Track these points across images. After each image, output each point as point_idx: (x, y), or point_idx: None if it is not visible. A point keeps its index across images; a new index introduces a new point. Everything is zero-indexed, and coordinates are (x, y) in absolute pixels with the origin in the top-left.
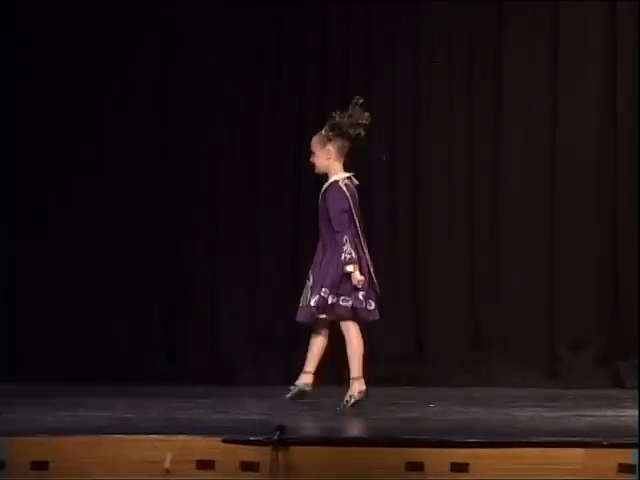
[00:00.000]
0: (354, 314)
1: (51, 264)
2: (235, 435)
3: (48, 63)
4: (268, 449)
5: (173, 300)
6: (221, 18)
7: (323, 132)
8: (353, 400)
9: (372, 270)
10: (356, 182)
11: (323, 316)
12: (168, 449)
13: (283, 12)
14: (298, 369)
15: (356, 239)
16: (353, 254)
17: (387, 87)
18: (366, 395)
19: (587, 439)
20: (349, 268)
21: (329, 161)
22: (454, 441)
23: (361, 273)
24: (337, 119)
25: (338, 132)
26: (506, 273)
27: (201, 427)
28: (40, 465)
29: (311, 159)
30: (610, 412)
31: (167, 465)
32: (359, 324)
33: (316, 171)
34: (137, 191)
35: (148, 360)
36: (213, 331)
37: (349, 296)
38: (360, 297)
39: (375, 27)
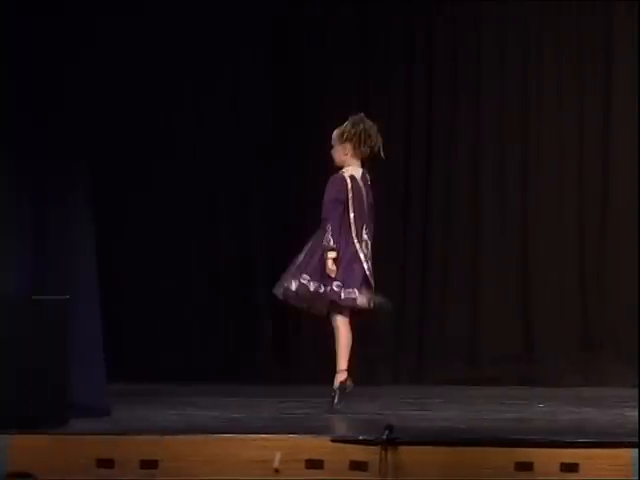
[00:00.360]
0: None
1: (159, 264)
2: (344, 435)
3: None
4: (377, 449)
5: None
6: (328, 18)
7: (344, 128)
8: (334, 394)
9: (367, 266)
10: (368, 179)
11: (304, 305)
12: (277, 449)
13: (392, 12)
14: (408, 368)
15: (349, 232)
16: (331, 242)
17: (495, 87)
18: (346, 388)
19: None
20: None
21: (346, 157)
22: (564, 441)
23: (349, 265)
24: (359, 126)
25: (355, 137)
26: (616, 272)
27: (310, 427)
28: (150, 464)
29: (331, 152)
30: None
31: (276, 465)
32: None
33: (335, 164)
34: (245, 189)
35: (258, 360)
36: (323, 330)
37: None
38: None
39: (483, 27)
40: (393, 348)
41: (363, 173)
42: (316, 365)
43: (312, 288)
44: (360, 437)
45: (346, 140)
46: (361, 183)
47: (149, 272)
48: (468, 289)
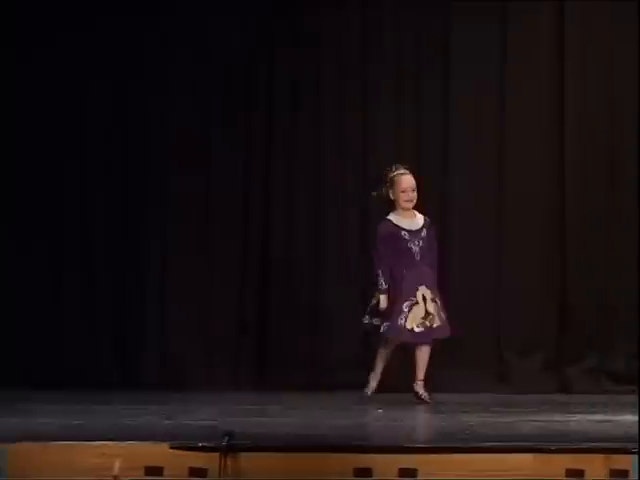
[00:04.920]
0: None
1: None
2: (184, 441)
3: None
4: (216, 455)
5: (123, 304)
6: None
7: None
8: None
9: None
10: None
11: None
12: (116, 455)
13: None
14: (248, 374)
15: None
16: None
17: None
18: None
19: (535, 444)
20: None
21: None
22: (402, 446)
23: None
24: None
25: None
26: (455, 275)
27: (150, 433)
28: None
29: (413, 194)
30: (558, 417)
31: (116, 472)
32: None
33: (412, 206)
34: (86, 195)
35: (98, 365)
36: (163, 336)
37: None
38: None
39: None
40: (233, 354)
41: None
42: (156, 370)
43: None
44: (199, 444)
45: None
46: None
47: None
48: (308, 295)
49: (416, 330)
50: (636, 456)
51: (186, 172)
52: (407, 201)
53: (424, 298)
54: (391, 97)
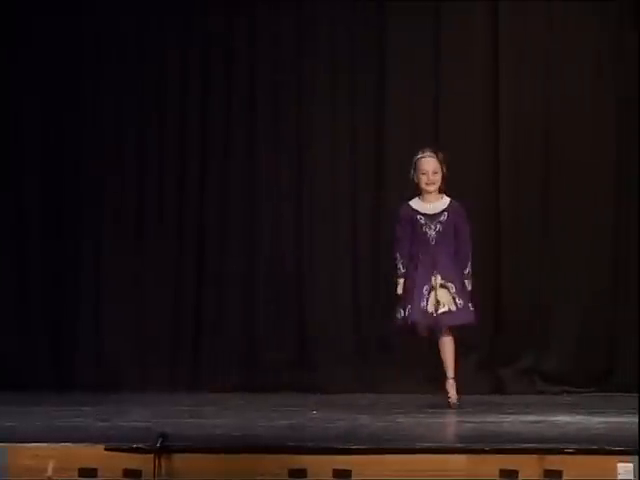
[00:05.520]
0: None
1: None
2: (118, 443)
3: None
4: (150, 456)
5: (58, 305)
6: None
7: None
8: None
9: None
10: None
11: None
12: (50, 457)
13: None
14: (183, 375)
15: None
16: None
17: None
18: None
19: (469, 445)
20: None
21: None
22: (336, 447)
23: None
24: None
25: None
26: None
27: (84, 435)
28: None
29: (435, 176)
30: (492, 418)
31: (49, 473)
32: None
33: (434, 189)
34: (21, 195)
35: (31, 367)
36: (97, 336)
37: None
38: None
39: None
40: (168, 355)
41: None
42: (90, 372)
43: None
44: (133, 445)
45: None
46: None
47: None
48: (244, 294)
49: (434, 314)
50: (636, 457)
51: (121, 172)
52: (427, 184)
53: (435, 285)
54: (326, 91)
